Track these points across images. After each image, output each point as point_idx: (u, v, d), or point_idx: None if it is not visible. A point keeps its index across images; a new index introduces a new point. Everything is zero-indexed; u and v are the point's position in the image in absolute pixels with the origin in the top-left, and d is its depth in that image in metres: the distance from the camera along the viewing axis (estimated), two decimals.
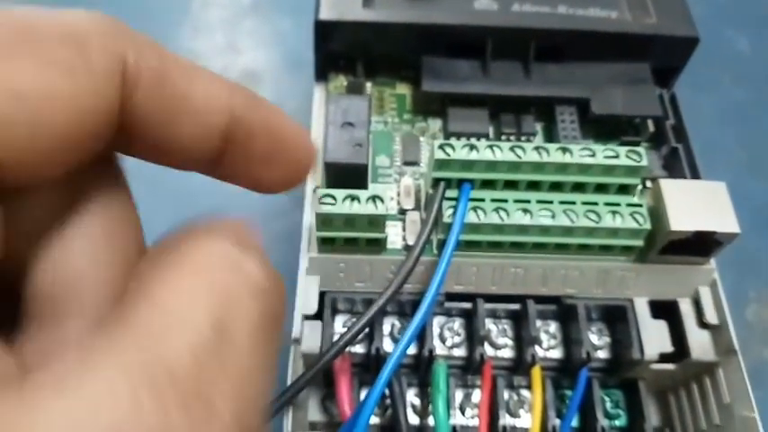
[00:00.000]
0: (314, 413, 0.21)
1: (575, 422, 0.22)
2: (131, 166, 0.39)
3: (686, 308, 0.20)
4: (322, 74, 0.24)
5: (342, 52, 0.23)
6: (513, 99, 0.22)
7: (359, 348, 0.20)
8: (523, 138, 0.22)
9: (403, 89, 0.24)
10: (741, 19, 0.44)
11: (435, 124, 0.23)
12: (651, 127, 0.23)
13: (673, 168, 0.22)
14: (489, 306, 0.21)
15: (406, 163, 0.22)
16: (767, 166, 0.38)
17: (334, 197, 0.18)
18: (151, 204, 0.37)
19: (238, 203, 0.35)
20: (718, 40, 0.42)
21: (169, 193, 0.35)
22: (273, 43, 0.41)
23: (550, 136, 0.23)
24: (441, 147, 0.18)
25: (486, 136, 0.22)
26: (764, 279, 0.34)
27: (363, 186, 0.19)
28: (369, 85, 0.23)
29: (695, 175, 0.21)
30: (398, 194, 0.21)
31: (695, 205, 0.19)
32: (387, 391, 0.21)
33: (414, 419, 0.21)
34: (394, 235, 0.20)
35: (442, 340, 0.21)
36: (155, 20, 0.42)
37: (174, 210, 0.34)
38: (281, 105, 0.41)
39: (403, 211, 0.21)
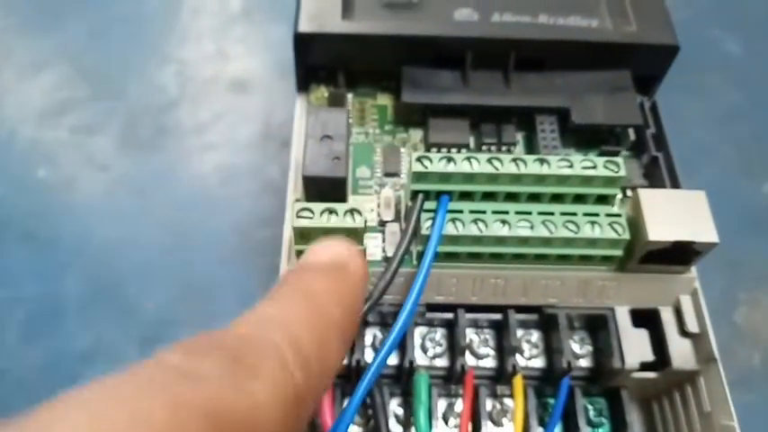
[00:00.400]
0: None
1: (557, 430, 0.22)
2: (120, 172, 0.38)
3: (667, 316, 0.20)
4: (303, 85, 0.24)
5: (322, 64, 0.23)
6: (494, 109, 0.22)
7: None
8: (504, 148, 0.22)
9: (384, 100, 0.24)
10: (730, 21, 0.44)
11: (416, 135, 0.23)
12: (632, 135, 0.23)
13: (653, 177, 0.22)
14: (470, 316, 0.21)
15: (387, 174, 0.22)
16: (758, 167, 0.38)
17: (311, 210, 0.18)
18: (140, 213, 0.36)
19: (226, 212, 0.35)
20: (707, 43, 0.43)
21: (158, 202, 0.35)
22: (263, 51, 0.41)
23: (531, 146, 0.23)
24: (418, 159, 0.18)
25: (467, 146, 0.22)
26: (754, 281, 0.34)
27: (343, 199, 0.19)
28: (350, 96, 0.24)
29: (675, 183, 0.21)
30: (378, 206, 0.21)
31: (674, 215, 0.19)
32: (369, 401, 0.21)
33: (397, 429, 0.21)
34: (374, 246, 0.20)
35: (424, 350, 0.21)
36: (144, 27, 0.42)
37: (163, 219, 0.34)
38: (271, 113, 0.41)
39: (383, 223, 0.21)
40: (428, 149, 0.22)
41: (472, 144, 0.23)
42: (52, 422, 0.09)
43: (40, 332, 0.30)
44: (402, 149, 0.22)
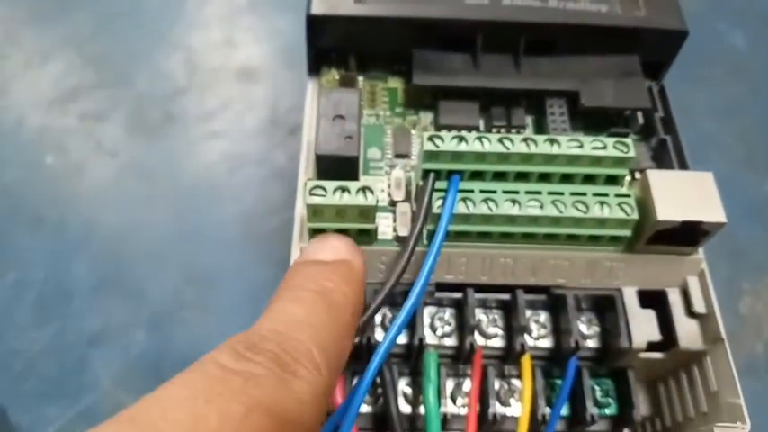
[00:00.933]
0: None
1: (564, 410, 0.22)
2: (127, 160, 0.39)
3: (675, 297, 0.21)
4: (315, 68, 0.24)
5: (334, 46, 0.23)
6: (504, 92, 0.22)
7: None
8: (514, 131, 0.23)
9: (395, 83, 0.24)
10: (735, 13, 0.44)
11: (427, 117, 0.23)
12: (640, 119, 0.23)
13: (661, 160, 0.22)
14: (479, 296, 0.21)
15: (398, 155, 0.22)
16: (762, 159, 0.38)
17: (324, 188, 0.18)
18: (148, 199, 0.37)
19: (232, 200, 0.35)
20: (711, 35, 0.43)
21: (166, 188, 0.35)
22: (270, 40, 0.42)
23: (540, 129, 0.23)
24: (430, 138, 0.19)
25: (477, 129, 0.22)
26: (758, 272, 0.34)
27: (354, 178, 0.20)
28: (361, 79, 0.24)
29: (683, 166, 0.21)
30: (389, 186, 0.21)
31: (682, 195, 0.19)
32: (378, 380, 0.21)
33: (405, 408, 0.22)
34: (385, 226, 0.21)
35: (433, 330, 0.22)
36: (152, 16, 0.42)
37: (171, 204, 0.34)
38: (277, 101, 0.41)
39: (393, 203, 0.21)
40: (438, 131, 0.22)
41: (482, 127, 0.23)
42: (163, 412, 0.11)
43: (50, 314, 0.31)
44: (412, 131, 0.23)
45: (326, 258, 0.17)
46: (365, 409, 0.22)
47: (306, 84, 0.24)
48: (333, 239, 0.18)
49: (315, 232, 0.20)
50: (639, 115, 0.23)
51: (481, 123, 0.23)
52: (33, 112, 0.38)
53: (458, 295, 0.21)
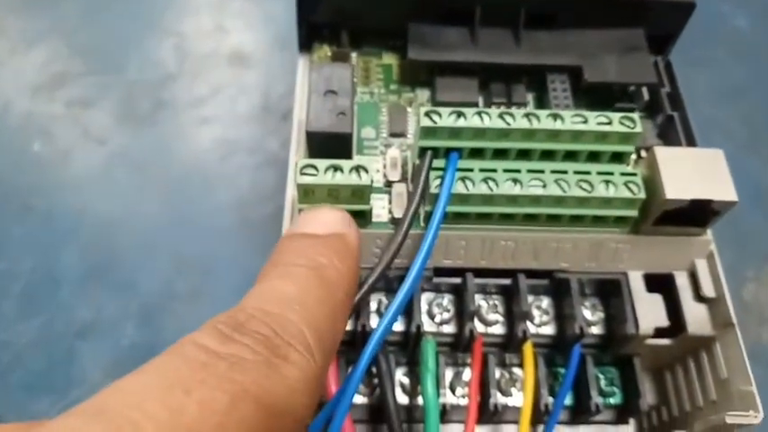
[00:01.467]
0: None
1: (568, 400, 0.21)
2: (117, 147, 0.37)
3: (682, 281, 0.20)
4: (306, 44, 0.23)
5: (325, 21, 0.22)
6: (504, 67, 0.21)
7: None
8: (514, 108, 0.22)
9: (389, 59, 0.23)
10: None
11: (423, 95, 0.22)
12: (646, 96, 0.22)
13: (668, 137, 0.21)
14: (479, 281, 0.20)
15: (393, 134, 0.21)
16: (766, 143, 0.37)
17: (316, 167, 0.17)
18: (138, 187, 0.36)
19: (225, 187, 0.34)
20: (715, 17, 0.42)
21: (156, 176, 0.34)
22: (262, 25, 0.41)
23: (542, 106, 0.22)
24: (427, 114, 0.18)
25: (476, 106, 0.21)
26: (762, 258, 0.34)
27: (348, 157, 0.19)
28: (354, 55, 0.23)
29: (691, 143, 0.21)
30: (384, 166, 0.20)
31: (691, 173, 0.18)
32: (374, 370, 0.20)
33: (402, 399, 0.21)
34: (380, 208, 0.20)
35: (431, 317, 0.21)
36: (140, 2, 0.41)
37: (162, 192, 0.33)
38: (270, 86, 0.40)
39: (389, 184, 0.20)
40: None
41: (481, 104, 0.22)
42: (136, 403, 0.09)
43: (37, 305, 0.30)
44: (409, 109, 0.22)
45: (318, 232, 0.15)
46: (360, 400, 0.21)
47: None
48: (325, 211, 0.16)
49: None
50: (644, 91, 0.22)
51: (480, 101, 0.22)
52: (19, 99, 0.37)
53: (456, 280, 0.20)
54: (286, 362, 0.11)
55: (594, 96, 0.22)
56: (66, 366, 0.28)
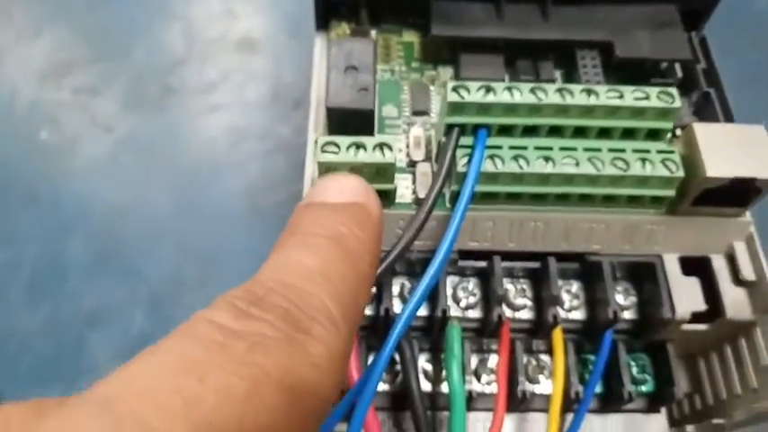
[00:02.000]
0: None
1: (598, 388, 0.20)
2: (124, 134, 0.37)
3: (719, 264, 0.19)
4: (323, 23, 0.22)
5: None
6: (531, 43, 0.21)
7: (366, 310, 0.19)
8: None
9: (410, 37, 0.22)
10: None
11: (446, 72, 0.21)
12: (679, 72, 0.21)
13: (704, 115, 0.20)
14: (506, 264, 0.19)
15: (416, 113, 0.20)
16: None
17: (337, 145, 0.17)
18: (146, 174, 0.35)
19: (234, 174, 0.34)
20: (735, 1, 0.41)
21: (164, 163, 0.34)
22: (272, 9, 0.40)
23: (571, 82, 0.21)
24: (454, 89, 0.17)
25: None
26: None
27: (369, 135, 0.18)
28: (374, 32, 0.22)
29: (729, 120, 0.20)
30: (407, 146, 0.20)
31: (732, 150, 0.17)
32: (397, 357, 0.20)
33: (426, 386, 0.20)
34: (403, 188, 0.19)
35: (456, 301, 0.20)
36: None
37: (171, 180, 0.33)
38: (280, 73, 0.39)
39: (413, 163, 0.19)
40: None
41: (507, 82, 0.21)
42: (146, 393, 0.08)
43: (44, 293, 0.29)
44: (431, 87, 0.21)
45: (337, 200, 0.14)
46: (382, 387, 0.20)
47: (309, 53, 0.22)
48: (343, 178, 0.14)
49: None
50: (678, 68, 0.21)
51: (506, 78, 0.21)
52: (26, 87, 0.36)
53: (483, 264, 0.19)
54: (310, 337, 0.10)
55: (626, 73, 0.21)
56: (75, 354, 0.28)
